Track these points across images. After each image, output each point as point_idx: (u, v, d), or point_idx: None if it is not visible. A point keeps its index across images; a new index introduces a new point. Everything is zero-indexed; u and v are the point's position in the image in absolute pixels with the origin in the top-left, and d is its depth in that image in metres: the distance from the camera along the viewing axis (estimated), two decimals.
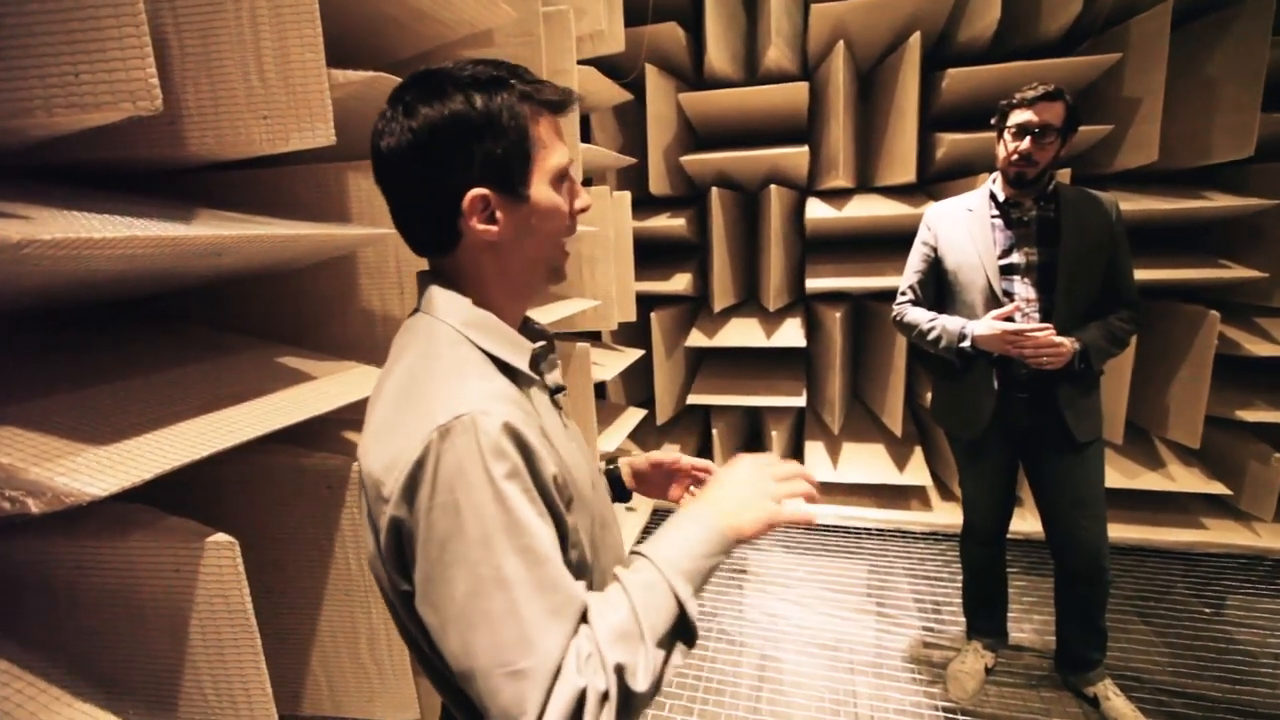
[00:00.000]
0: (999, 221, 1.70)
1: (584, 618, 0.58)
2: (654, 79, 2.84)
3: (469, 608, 0.55)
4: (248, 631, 0.92)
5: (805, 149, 2.78)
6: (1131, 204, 2.44)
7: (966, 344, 1.68)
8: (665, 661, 0.58)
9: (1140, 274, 2.31)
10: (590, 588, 0.67)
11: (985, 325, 1.64)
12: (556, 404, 0.78)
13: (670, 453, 1.03)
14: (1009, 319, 1.64)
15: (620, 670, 0.55)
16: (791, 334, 2.99)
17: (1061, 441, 1.68)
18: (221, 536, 0.89)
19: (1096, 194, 1.68)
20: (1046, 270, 1.65)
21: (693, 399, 3.14)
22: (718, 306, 2.95)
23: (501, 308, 0.71)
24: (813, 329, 3.24)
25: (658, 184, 2.98)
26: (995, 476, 1.85)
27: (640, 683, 0.56)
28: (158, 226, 0.83)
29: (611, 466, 1.02)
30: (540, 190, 0.68)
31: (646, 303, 3.18)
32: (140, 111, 0.79)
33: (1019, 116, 1.59)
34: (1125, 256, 1.67)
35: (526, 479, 0.59)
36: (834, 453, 3.11)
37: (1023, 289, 1.67)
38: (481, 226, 0.66)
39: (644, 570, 0.61)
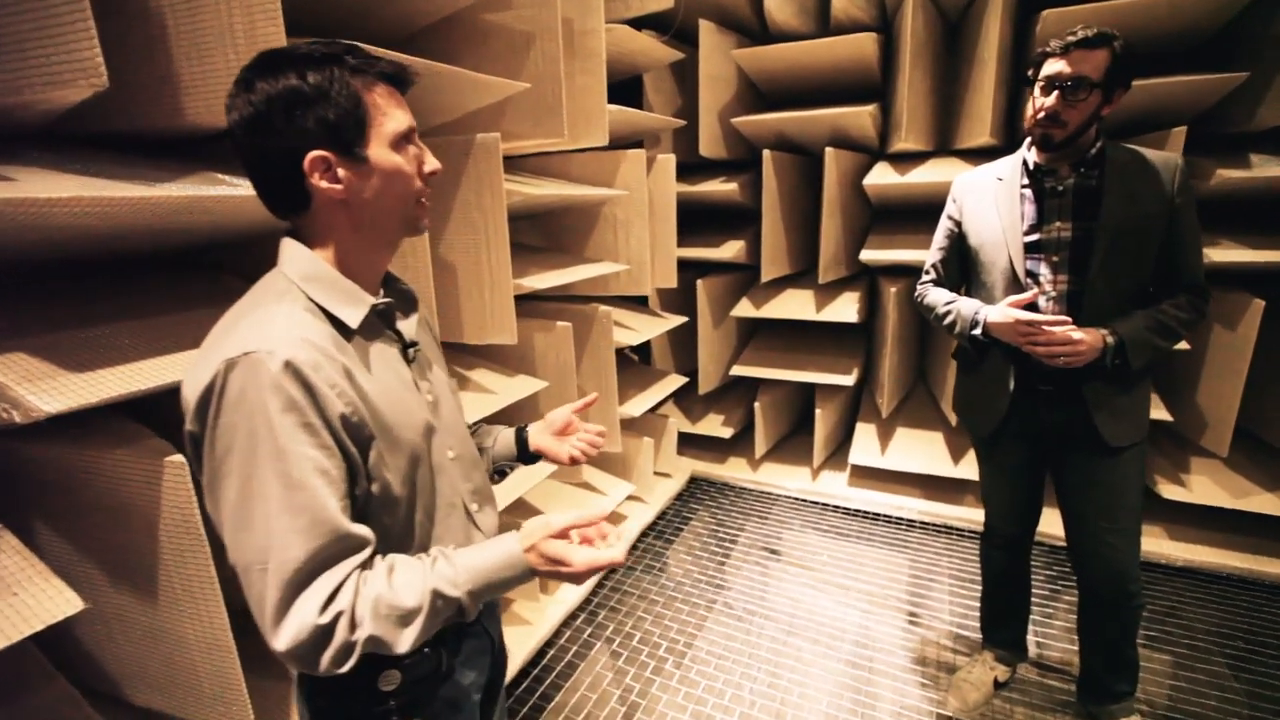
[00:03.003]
0: (1029, 192, 1.48)
1: (360, 553, 0.68)
2: (708, 35, 2.72)
3: (238, 512, 0.65)
4: (199, 540, 1.08)
5: (867, 108, 2.55)
6: (1262, 170, 2.02)
7: (978, 331, 1.51)
8: (426, 635, 0.69)
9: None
10: (409, 520, 0.77)
11: (999, 312, 1.45)
12: (408, 356, 0.82)
13: (563, 412, 1.05)
14: (1030, 307, 1.45)
15: (375, 642, 0.65)
16: (844, 309, 2.81)
17: (1089, 444, 1.47)
18: (177, 457, 1.04)
19: (1156, 155, 1.40)
20: (1080, 248, 1.42)
21: (737, 370, 3.07)
22: (766, 276, 2.83)
23: (357, 260, 0.77)
24: (874, 304, 3.03)
25: (710, 146, 2.88)
26: (1014, 477, 1.66)
27: (400, 648, 0.68)
28: (114, 187, 0.96)
29: (522, 430, 1.08)
30: (379, 152, 0.72)
31: (699, 270, 3.13)
32: (94, 88, 0.91)
33: (1050, 67, 1.35)
34: (1188, 231, 1.39)
35: (307, 414, 0.65)
36: (884, 437, 2.93)
37: (1048, 271, 1.45)
38: (325, 185, 0.71)
39: (437, 575, 0.70)
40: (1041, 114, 1.37)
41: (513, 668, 1.92)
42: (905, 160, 2.70)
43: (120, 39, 1.15)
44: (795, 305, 2.92)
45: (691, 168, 3.17)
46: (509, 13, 1.86)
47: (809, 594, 2.34)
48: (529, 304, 2.39)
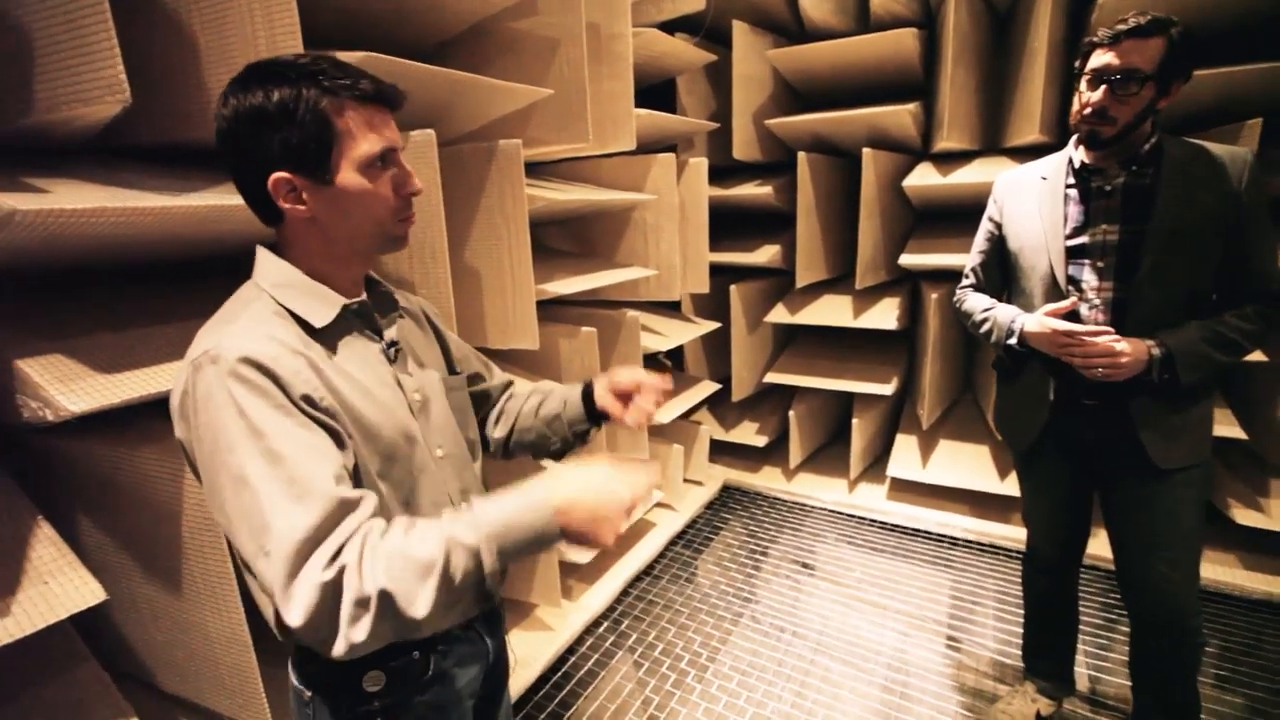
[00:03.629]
0: (1074, 192, 1.38)
1: (371, 514, 0.65)
2: (742, 36, 2.68)
3: (234, 507, 0.63)
4: (218, 537, 1.12)
5: (906, 107, 2.45)
6: None
7: (1014, 341, 1.42)
8: (447, 600, 0.63)
9: None
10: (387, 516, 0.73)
11: (1036, 321, 1.36)
12: (389, 355, 0.83)
13: (630, 376, 0.99)
14: (1071, 316, 1.35)
15: (388, 597, 0.60)
16: (883, 315, 2.71)
17: (1137, 465, 1.35)
18: None
19: (1222, 150, 1.28)
20: (1128, 252, 1.31)
21: (771, 377, 3.00)
22: (801, 281, 2.76)
23: (330, 272, 0.78)
24: (916, 311, 2.91)
25: (744, 149, 2.83)
26: (1055, 496, 1.55)
27: (418, 610, 0.61)
28: (138, 198, 1.01)
29: (589, 388, 1.02)
30: (347, 176, 0.72)
31: (734, 275, 3.08)
32: (120, 103, 0.96)
33: (1097, 59, 1.25)
34: (1257, 233, 1.26)
35: (276, 397, 0.65)
36: (926, 450, 2.80)
37: (1092, 276, 1.35)
38: (288, 206, 0.72)
39: (463, 525, 0.65)
40: (1088, 110, 1.27)
41: (533, 673, 1.91)
42: (950, 160, 2.58)
43: (151, 54, 1.21)
44: (832, 311, 2.83)
45: (727, 170, 3.13)
46: (535, 19, 1.87)
47: (841, 611, 2.25)
48: (557, 308, 2.40)
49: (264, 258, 0.77)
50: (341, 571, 0.60)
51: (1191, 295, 1.30)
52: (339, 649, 0.59)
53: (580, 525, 0.68)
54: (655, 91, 2.92)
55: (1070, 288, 1.37)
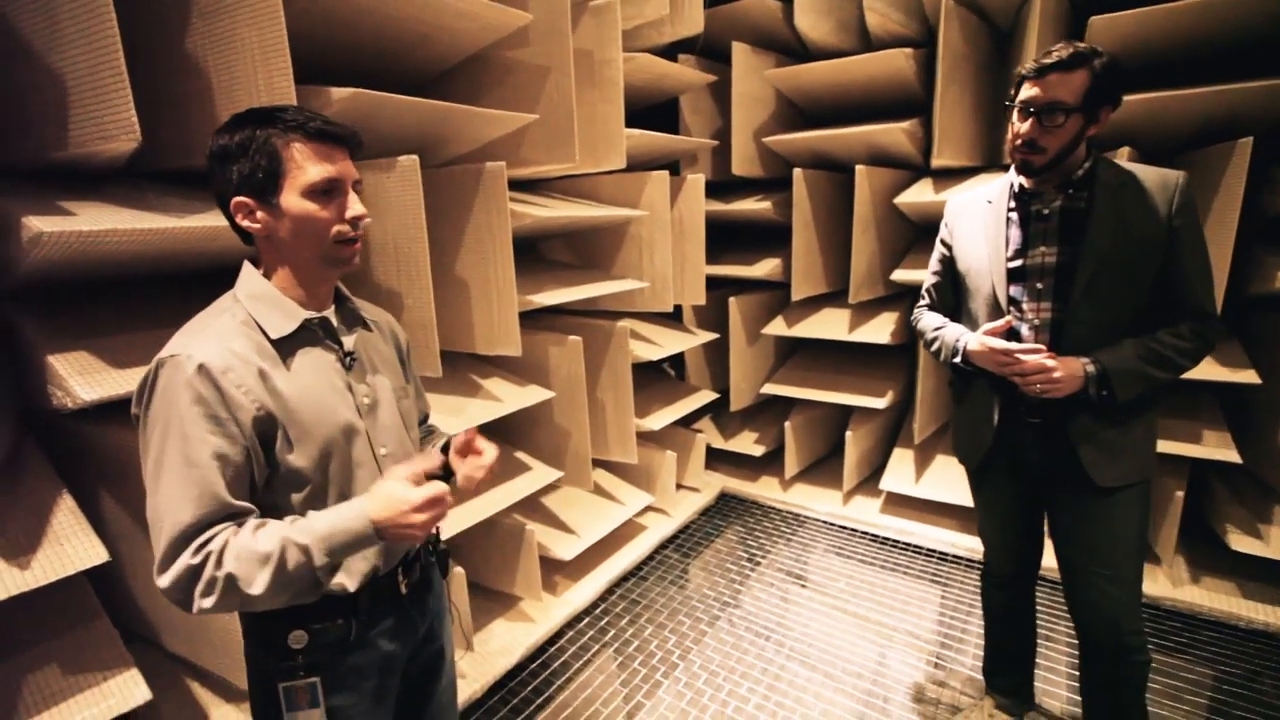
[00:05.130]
0: (1015, 216, 1.42)
1: (239, 520, 0.81)
2: (741, 56, 2.76)
3: (152, 478, 0.80)
4: None
5: (900, 125, 2.49)
6: None
7: (958, 359, 1.46)
8: (280, 582, 0.78)
9: None
10: (321, 500, 0.89)
11: (977, 340, 1.40)
12: (345, 364, 0.95)
13: (459, 437, 1.06)
14: (1010, 334, 1.38)
15: (232, 579, 0.76)
16: (878, 330, 2.73)
17: (1078, 482, 1.37)
18: None
19: (1153, 174, 1.30)
20: (1065, 273, 1.33)
21: (767, 388, 3.06)
22: (797, 295, 2.81)
23: (295, 284, 0.91)
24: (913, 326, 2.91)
25: (743, 165, 2.91)
26: (1005, 513, 1.57)
27: (255, 589, 0.77)
28: (147, 219, 1.18)
29: (446, 445, 1.12)
30: (290, 200, 0.85)
31: (738, 287, 3.16)
32: (133, 141, 1.14)
33: (1025, 91, 1.28)
34: (1189, 255, 1.27)
35: (214, 407, 0.79)
36: (921, 464, 2.80)
37: (1030, 298, 1.38)
38: (245, 224, 0.86)
39: (299, 530, 0.81)
40: (1019, 140, 1.32)
41: (511, 661, 2.03)
42: (950, 176, 2.60)
43: (173, 92, 1.39)
44: (829, 325, 2.87)
45: (731, 185, 3.22)
46: (527, 49, 2.01)
47: (822, 620, 2.29)
48: (553, 318, 2.53)
49: (246, 271, 0.91)
50: (205, 558, 0.77)
51: (1128, 315, 1.32)
52: (192, 610, 0.78)
53: (389, 525, 0.81)
54: (660, 110, 3.04)
55: (1011, 308, 1.40)
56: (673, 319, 3.09)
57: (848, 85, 2.73)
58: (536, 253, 2.82)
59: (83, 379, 1.19)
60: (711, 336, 3.01)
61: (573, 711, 1.92)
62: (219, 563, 0.77)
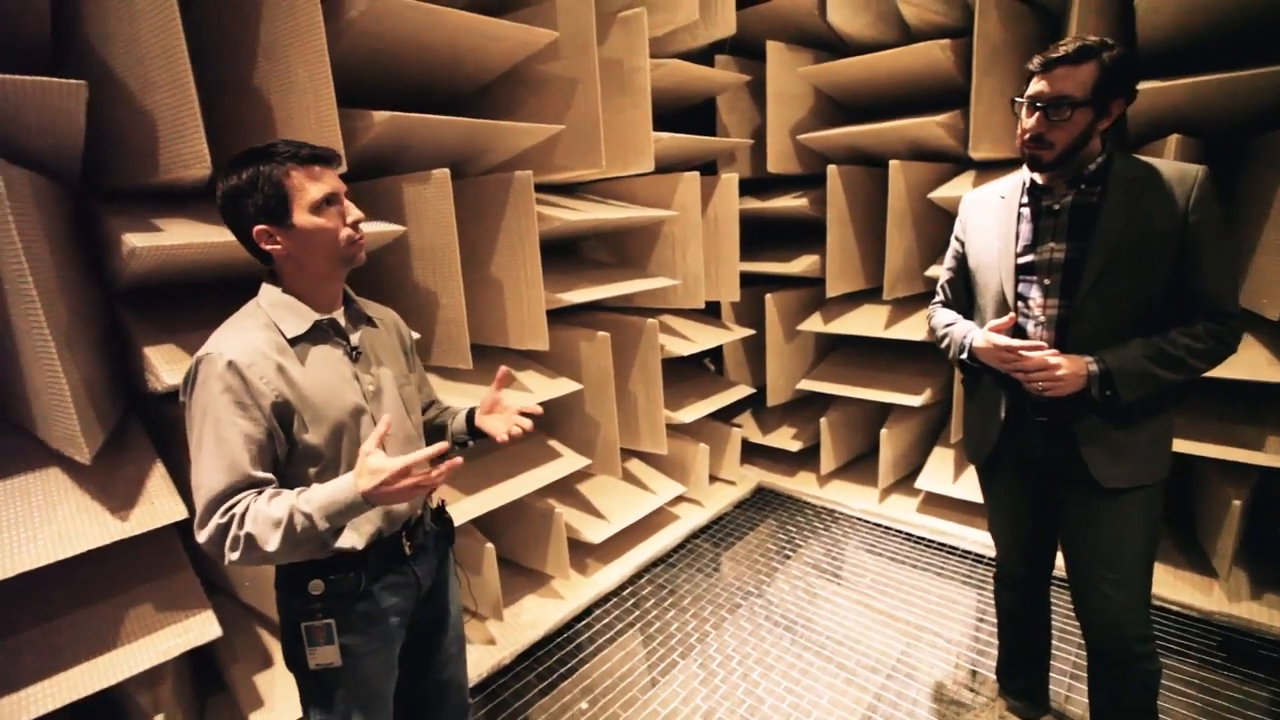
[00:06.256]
0: (1026, 211, 1.40)
1: (261, 489, 0.97)
2: (775, 54, 2.78)
3: (193, 455, 0.97)
4: None
5: (935, 118, 2.44)
6: None
7: (964, 356, 1.46)
8: (292, 542, 0.94)
9: None
10: (334, 471, 1.05)
11: (982, 336, 1.40)
12: (353, 357, 1.12)
13: (487, 395, 1.28)
14: (1017, 331, 1.38)
15: (251, 537, 0.93)
16: (914, 327, 2.69)
17: (1084, 483, 1.35)
18: None
19: (1171, 167, 1.25)
20: (1073, 269, 1.31)
21: (803, 384, 3.07)
22: (831, 292, 2.81)
23: (309, 290, 1.08)
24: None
25: (779, 163, 2.93)
26: (1014, 511, 1.55)
27: (270, 546, 0.93)
28: (218, 233, 1.40)
29: (471, 411, 1.32)
30: (302, 218, 1.01)
31: (778, 284, 3.18)
32: (204, 170, 1.35)
33: (1033, 86, 1.27)
34: (1206, 251, 1.23)
35: (241, 395, 0.96)
36: (960, 464, 2.74)
37: (1039, 294, 1.36)
38: (269, 248, 1.02)
39: (304, 500, 0.96)
40: (1026, 135, 1.31)
41: (538, 633, 2.19)
42: (992, 168, 2.53)
43: (243, 121, 1.62)
44: (865, 322, 2.85)
45: (770, 183, 3.24)
46: (558, 63, 2.15)
47: (846, 615, 2.31)
48: (588, 314, 2.67)
49: (265, 286, 1.09)
50: (230, 519, 0.93)
51: (1139, 314, 1.29)
52: (224, 563, 0.94)
53: (373, 492, 0.95)
54: (698, 111, 3.10)
55: (1019, 304, 1.40)
56: (711, 315, 3.16)
57: (885, 79, 2.69)
58: (578, 252, 2.96)
59: (169, 367, 1.43)
60: (747, 333, 3.05)
61: (592, 682, 2.05)
62: (241, 523, 0.93)
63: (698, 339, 2.84)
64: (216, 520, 0.94)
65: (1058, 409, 1.36)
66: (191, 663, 1.82)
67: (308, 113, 1.55)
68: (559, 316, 2.51)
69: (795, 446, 3.20)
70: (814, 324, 2.98)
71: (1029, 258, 1.39)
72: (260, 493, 0.97)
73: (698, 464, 2.94)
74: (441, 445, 1.02)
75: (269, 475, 0.99)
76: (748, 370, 3.42)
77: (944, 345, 1.57)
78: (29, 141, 1.29)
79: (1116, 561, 1.35)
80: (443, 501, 1.35)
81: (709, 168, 3.17)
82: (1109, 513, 1.35)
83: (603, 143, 2.14)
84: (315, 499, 0.96)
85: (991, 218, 1.47)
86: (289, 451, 1.03)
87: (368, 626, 1.12)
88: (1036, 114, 1.28)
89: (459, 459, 1.00)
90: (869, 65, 2.60)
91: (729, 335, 2.98)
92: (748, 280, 3.19)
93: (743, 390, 3.12)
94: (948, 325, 1.56)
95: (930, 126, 2.48)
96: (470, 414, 1.32)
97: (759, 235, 3.46)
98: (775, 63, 2.79)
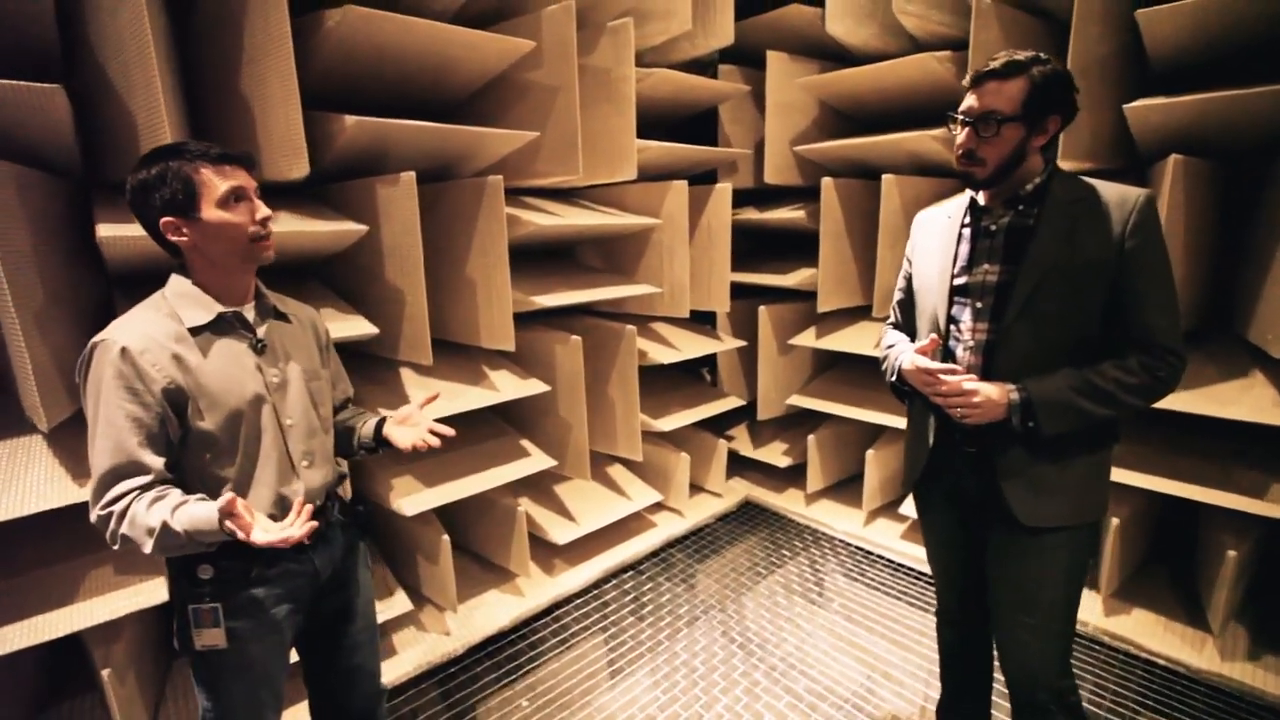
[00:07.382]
0: (967, 231, 1.34)
1: (148, 484, 1.02)
2: (776, 64, 2.75)
3: (89, 437, 1.03)
4: None
5: (930, 132, 2.37)
6: None
7: (894, 379, 1.42)
8: (163, 548, 1.00)
9: None
10: (230, 457, 1.11)
11: (909, 359, 1.35)
12: (257, 349, 1.16)
13: (406, 408, 1.32)
14: (945, 354, 1.33)
15: (127, 538, 1.00)
16: None
17: (1008, 519, 1.28)
18: None
19: (1112, 190, 1.18)
20: (1005, 293, 1.25)
21: (793, 400, 3.01)
22: (823, 306, 2.75)
23: (213, 284, 1.13)
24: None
25: (777, 174, 2.90)
26: (944, 542, 1.48)
27: (146, 549, 0.99)
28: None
29: (381, 420, 1.35)
30: (209, 212, 1.06)
31: (774, 296, 3.14)
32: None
33: (965, 101, 1.23)
34: (1144, 280, 1.15)
35: (133, 380, 1.02)
36: None
37: (969, 317, 1.31)
38: (175, 240, 1.08)
39: (175, 516, 0.99)
40: (959, 151, 1.27)
41: (492, 628, 2.24)
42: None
43: (235, 118, 1.73)
44: (858, 339, 2.78)
45: (774, 194, 3.20)
46: (540, 71, 2.19)
47: (809, 640, 2.25)
48: (571, 319, 2.70)
49: (173, 277, 1.14)
50: (110, 515, 1.00)
51: (1072, 342, 1.22)
52: (113, 547, 1.02)
53: (225, 527, 0.98)
54: (701, 120, 3.10)
55: (952, 327, 1.35)
56: (706, 325, 3.14)
57: (886, 90, 2.63)
58: (574, 257, 3.00)
59: None
60: (738, 344, 3.02)
61: (536, 680, 2.07)
62: (120, 521, 0.99)
63: (685, 348, 2.83)
64: (99, 511, 1.00)
65: (986, 439, 1.30)
66: (164, 627, 1.94)
67: (279, 118, 1.65)
68: (540, 318, 2.55)
69: (784, 462, 3.14)
70: (806, 339, 2.92)
71: (963, 279, 1.33)
72: (145, 491, 1.01)
73: (678, 473, 2.92)
74: (308, 510, 1.06)
75: (158, 459, 1.04)
76: (743, 382, 3.38)
77: (883, 367, 1.52)
78: (19, 135, 1.42)
79: (1033, 605, 1.28)
80: (361, 494, 1.39)
81: (710, 177, 3.16)
82: (1030, 552, 1.28)
83: (580, 149, 2.18)
84: (182, 518, 1.00)
85: (936, 238, 1.42)
86: (183, 436, 1.08)
87: (256, 612, 1.15)
88: (967, 129, 1.23)
89: (315, 523, 1.05)
90: (868, 77, 2.54)
91: (718, 345, 2.96)
92: (746, 291, 3.16)
93: (732, 402, 3.09)
94: (889, 347, 1.52)
95: (925, 140, 2.40)
96: (381, 423, 1.34)
97: (761, 246, 3.42)
98: (775, 73, 2.76)
